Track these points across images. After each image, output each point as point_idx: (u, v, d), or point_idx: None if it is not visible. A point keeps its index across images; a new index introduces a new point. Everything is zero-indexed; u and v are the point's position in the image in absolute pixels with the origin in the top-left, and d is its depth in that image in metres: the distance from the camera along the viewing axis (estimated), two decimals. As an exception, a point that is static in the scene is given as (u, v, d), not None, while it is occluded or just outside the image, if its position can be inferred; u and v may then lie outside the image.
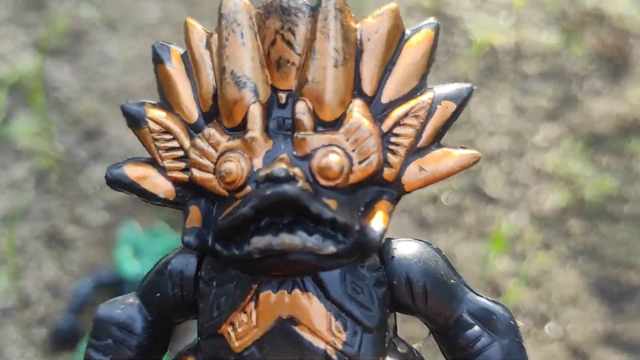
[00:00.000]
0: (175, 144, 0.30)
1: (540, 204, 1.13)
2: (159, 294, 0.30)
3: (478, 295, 0.29)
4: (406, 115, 0.29)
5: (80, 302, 0.99)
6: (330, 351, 0.27)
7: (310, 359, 0.27)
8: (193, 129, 0.29)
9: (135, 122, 0.30)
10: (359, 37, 0.29)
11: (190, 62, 0.30)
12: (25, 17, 1.41)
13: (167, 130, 0.30)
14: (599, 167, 1.17)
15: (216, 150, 0.28)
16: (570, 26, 1.38)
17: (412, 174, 0.29)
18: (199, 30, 0.30)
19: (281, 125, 0.28)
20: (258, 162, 0.28)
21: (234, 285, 0.28)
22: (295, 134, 0.28)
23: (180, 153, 0.29)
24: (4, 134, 1.21)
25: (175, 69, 0.30)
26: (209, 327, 0.28)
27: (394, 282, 0.28)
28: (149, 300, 0.30)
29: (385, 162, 0.28)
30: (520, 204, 1.12)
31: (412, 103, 0.29)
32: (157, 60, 0.30)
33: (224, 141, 0.28)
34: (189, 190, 0.29)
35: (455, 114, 0.29)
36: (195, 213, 0.29)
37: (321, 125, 0.28)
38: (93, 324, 0.30)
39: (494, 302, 0.29)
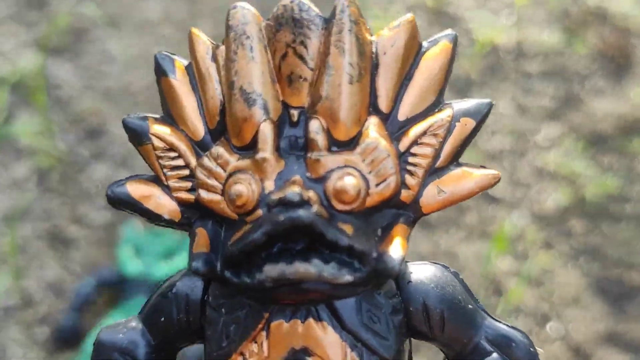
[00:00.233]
0: (180, 162, 0.28)
1: (542, 203, 1.12)
2: (163, 318, 0.28)
3: (496, 320, 0.28)
4: (424, 133, 0.27)
5: (82, 301, 0.99)
6: None
7: None
8: (199, 147, 0.28)
9: (137, 137, 0.29)
10: (374, 50, 0.27)
11: (195, 75, 0.28)
12: (27, 15, 1.41)
13: (172, 148, 0.28)
14: (601, 166, 1.17)
15: (224, 171, 0.27)
16: (572, 25, 1.38)
17: (430, 195, 0.27)
18: (204, 41, 0.28)
19: (293, 145, 0.27)
20: (269, 184, 0.26)
21: (244, 314, 0.27)
22: (309, 155, 0.26)
23: (186, 172, 0.28)
24: (5, 132, 1.21)
25: (179, 81, 0.28)
26: (218, 356, 0.27)
27: (411, 309, 0.27)
28: (153, 325, 0.29)
29: (403, 184, 0.27)
30: (522, 203, 1.12)
31: (430, 120, 0.27)
32: (160, 72, 0.29)
33: (233, 161, 0.27)
34: (195, 211, 0.28)
35: (474, 131, 0.28)
36: (202, 237, 0.27)
37: (335, 144, 0.26)
38: (94, 348, 0.29)
39: (513, 328, 0.28)
